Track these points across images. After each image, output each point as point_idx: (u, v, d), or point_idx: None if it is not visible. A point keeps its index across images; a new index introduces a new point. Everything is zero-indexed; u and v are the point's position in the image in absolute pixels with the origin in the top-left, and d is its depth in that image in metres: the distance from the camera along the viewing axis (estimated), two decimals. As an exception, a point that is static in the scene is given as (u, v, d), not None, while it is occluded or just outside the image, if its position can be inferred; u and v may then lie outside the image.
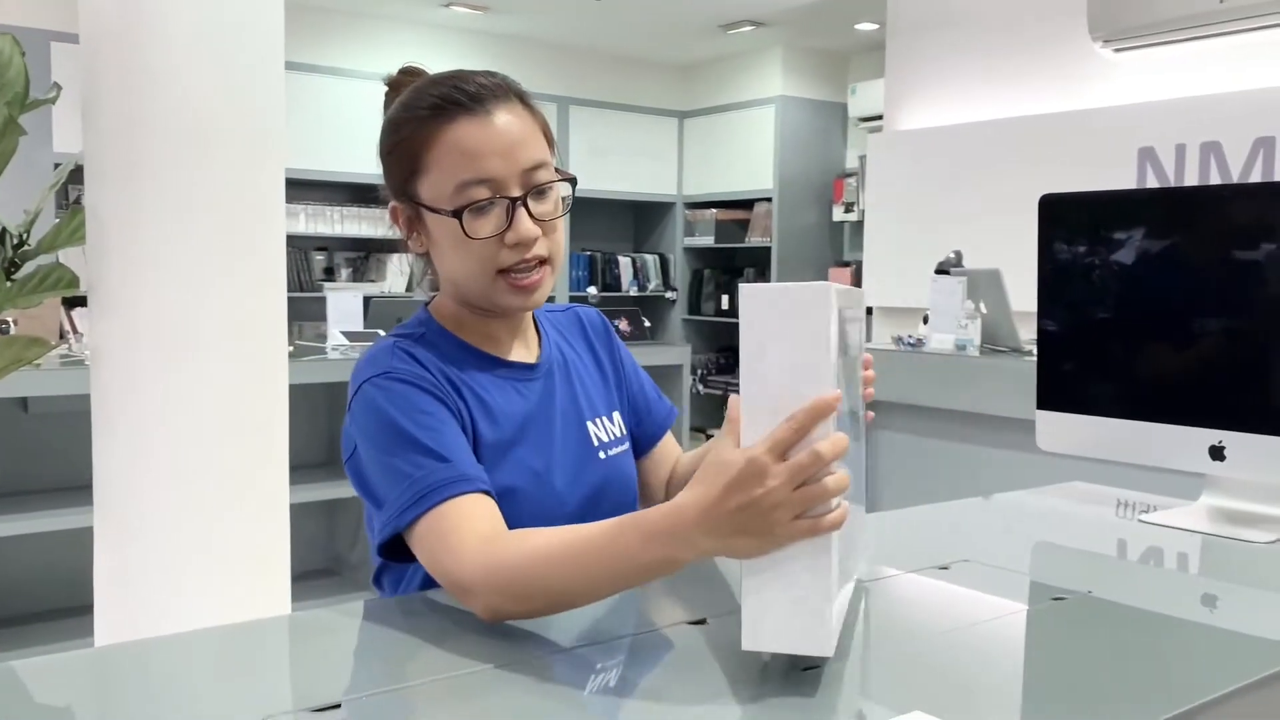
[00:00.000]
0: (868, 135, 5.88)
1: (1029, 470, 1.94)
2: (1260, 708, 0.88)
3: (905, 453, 3.53)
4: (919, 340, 3.66)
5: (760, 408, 0.82)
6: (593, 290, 7.09)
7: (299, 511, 4.06)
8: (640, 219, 7.75)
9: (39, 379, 3.27)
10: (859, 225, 6.19)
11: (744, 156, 7.11)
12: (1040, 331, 1.64)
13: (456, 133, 1.10)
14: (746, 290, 0.83)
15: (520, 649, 0.93)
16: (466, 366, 1.16)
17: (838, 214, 6.99)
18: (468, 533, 0.98)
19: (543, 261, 1.14)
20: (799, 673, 0.88)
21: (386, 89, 1.26)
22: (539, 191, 1.13)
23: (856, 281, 6.11)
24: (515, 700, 0.83)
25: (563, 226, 1.17)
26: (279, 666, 0.97)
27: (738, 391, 0.84)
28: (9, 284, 2.25)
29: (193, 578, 2.13)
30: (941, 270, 3.78)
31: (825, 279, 5.98)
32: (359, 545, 4.17)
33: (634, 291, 7.45)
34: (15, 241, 2.27)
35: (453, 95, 1.12)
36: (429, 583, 1.08)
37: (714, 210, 7.34)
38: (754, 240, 7.16)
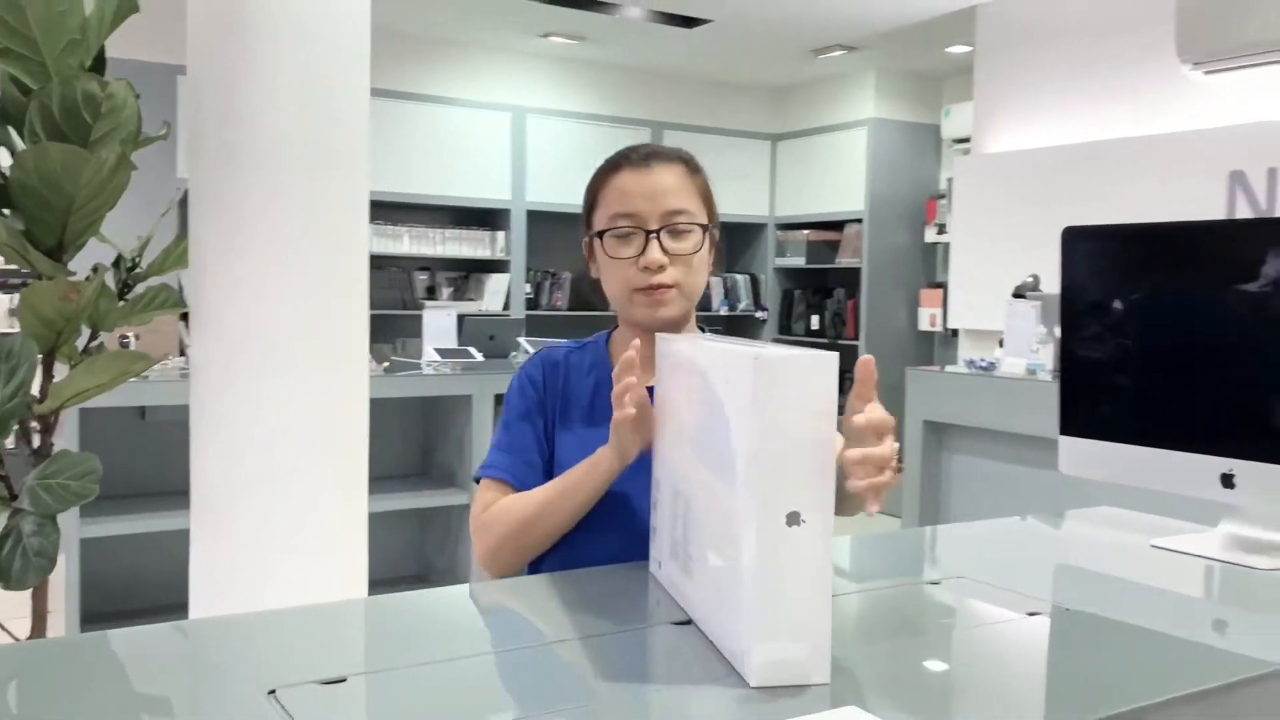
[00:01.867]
0: (956, 159, 5.87)
1: (1089, 495, 1.96)
2: (1211, 712, 0.94)
3: (971, 475, 3.55)
4: (991, 364, 3.67)
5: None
6: (684, 310, 7.19)
7: (392, 520, 4.30)
8: (733, 239, 7.85)
9: (155, 390, 3.54)
10: (949, 248, 6.17)
11: (836, 178, 7.15)
12: (1062, 358, 1.70)
13: (620, 179, 1.41)
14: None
15: (517, 638, 1.05)
16: (594, 375, 1.47)
17: (930, 235, 6.97)
18: (479, 501, 1.42)
19: (672, 286, 1.39)
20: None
21: None
22: (675, 231, 1.39)
23: (945, 303, 6.10)
24: (510, 686, 0.95)
25: (700, 265, 1.42)
26: (294, 644, 1.11)
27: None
28: (122, 304, 2.48)
29: (279, 573, 2.32)
30: (1018, 294, 3.79)
31: (916, 300, 5.95)
32: (448, 552, 4.36)
33: (724, 311, 7.55)
34: (129, 265, 2.50)
35: (628, 153, 1.44)
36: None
37: (805, 231, 7.39)
38: (844, 261, 7.19)
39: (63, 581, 3.46)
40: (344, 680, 0.94)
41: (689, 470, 1.06)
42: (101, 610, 3.64)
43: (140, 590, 3.77)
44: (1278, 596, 1.30)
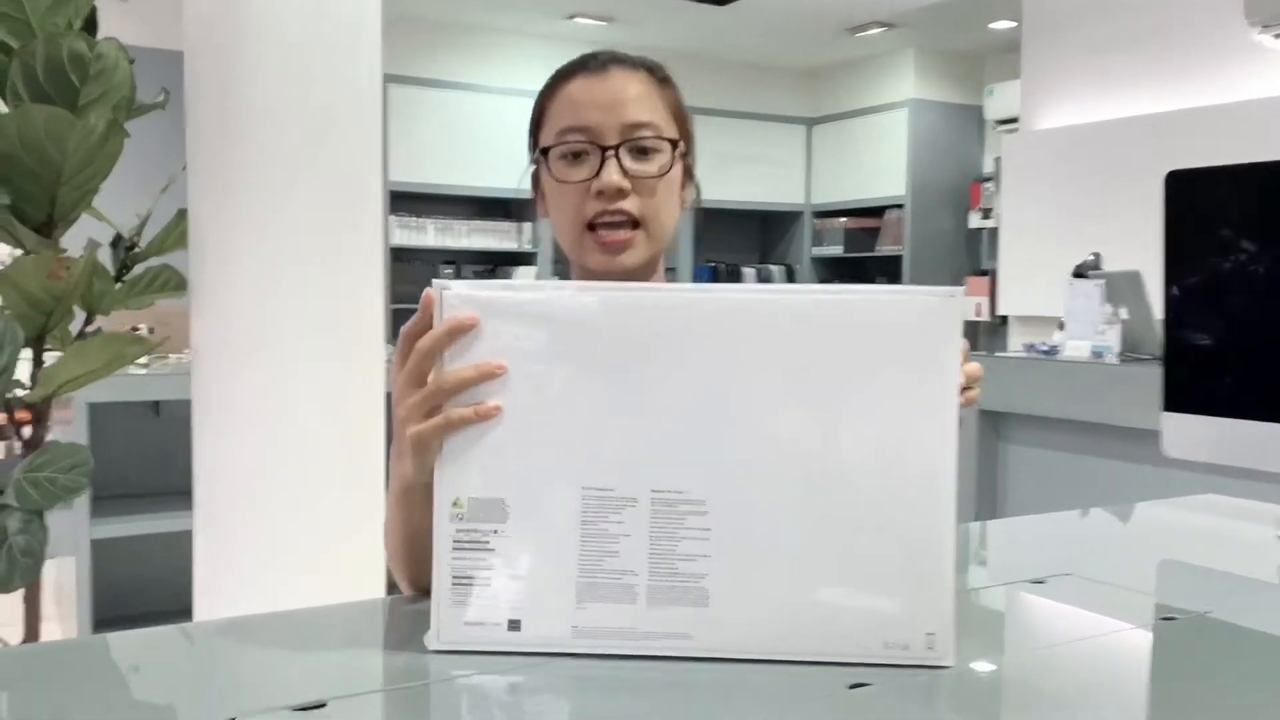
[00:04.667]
0: (1004, 138, 5.62)
1: (1168, 487, 1.77)
2: None
3: (1029, 466, 3.32)
4: (1052, 347, 3.44)
5: None
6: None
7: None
8: (767, 229, 7.63)
9: (170, 383, 3.38)
10: (997, 232, 5.92)
11: (874, 163, 6.91)
12: (1167, 325, 1.48)
13: (570, 86, 1.14)
14: None
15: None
16: None
17: (974, 220, 6.72)
18: None
19: (635, 224, 1.11)
20: (845, 690, 0.78)
21: None
22: (638, 149, 1.12)
23: (992, 290, 5.85)
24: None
25: (669, 195, 1.14)
26: (269, 659, 0.92)
27: None
28: (120, 285, 2.31)
29: (287, 575, 2.14)
30: (1079, 273, 3.56)
31: (961, 287, 5.83)
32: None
33: (761, 303, 7.32)
34: (128, 244, 2.33)
35: (584, 59, 1.16)
36: None
37: (843, 219, 7.16)
38: (884, 249, 6.95)
39: (73, 584, 3.31)
40: (323, 705, 0.75)
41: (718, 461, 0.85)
42: (115, 614, 3.49)
43: (155, 593, 3.61)
44: None
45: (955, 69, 6.84)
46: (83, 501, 3.26)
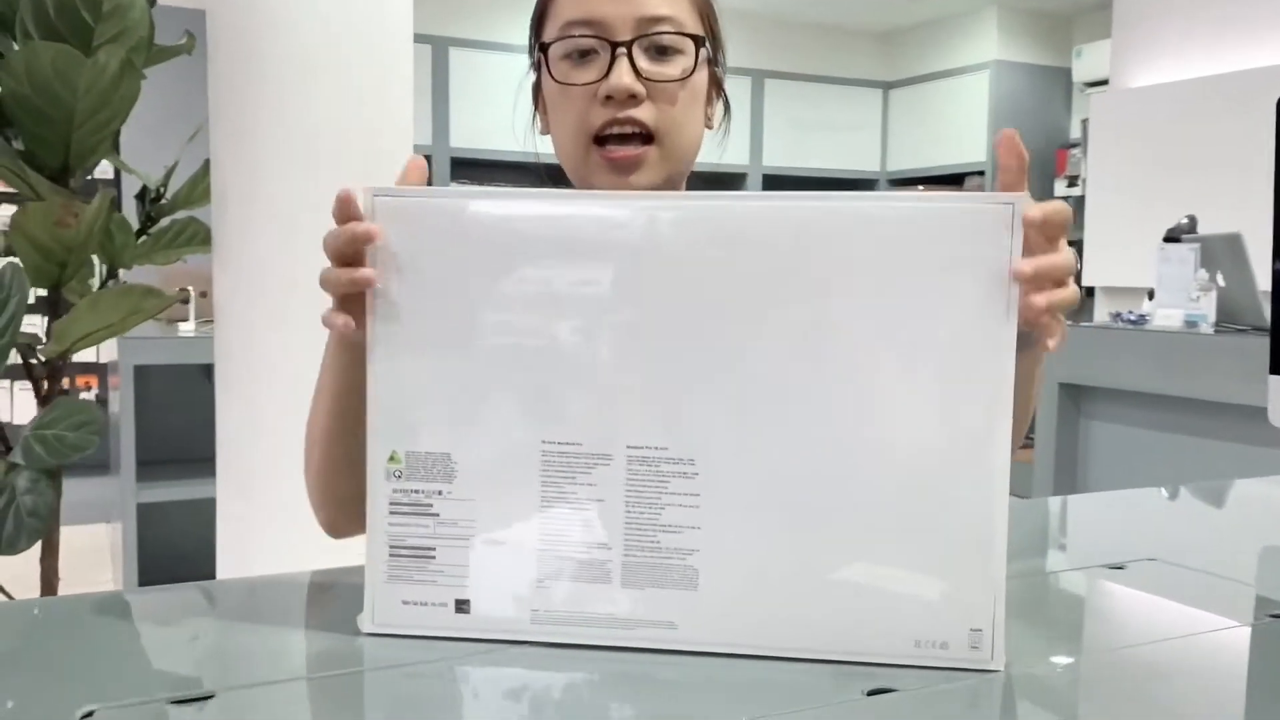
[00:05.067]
0: (1093, 99, 5.31)
1: (1268, 469, 1.56)
2: None
3: (1113, 444, 3.08)
4: (1142, 316, 3.19)
5: None
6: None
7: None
8: (841, 198, 7.38)
9: (216, 346, 3.31)
10: (1083, 201, 5.61)
11: (954, 128, 6.61)
12: (1276, 277, 1.27)
13: None
14: None
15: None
16: None
17: (1060, 189, 6.38)
18: None
19: (648, 138, 0.94)
20: (860, 697, 0.63)
21: None
22: (658, 49, 0.94)
23: (1078, 260, 5.55)
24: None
25: (691, 105, 0.96)
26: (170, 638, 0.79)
27: None
28: (145, 239, 2.22)
29: (310, 541, 2.03)
30: (1171, 237, 3.29)
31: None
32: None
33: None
34: (153, 196, 2.24)
35: None
36: None
37: (920, 186, 6.87)
38: (964, 219, 6.66)
39: (120, 548, 3.28)
40: (210, 698, 0.61)
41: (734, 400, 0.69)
42: (162, 579, 3.45)
43: (201, 558, 3.57)
44: None
45: (1041, 28, 6.50)
46: (129, 466, 3.22)
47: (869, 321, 0.67)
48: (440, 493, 0.70)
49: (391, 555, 0.70)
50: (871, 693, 0.64)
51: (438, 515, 0.70)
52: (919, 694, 0.64)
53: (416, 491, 0.70)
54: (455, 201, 0.70)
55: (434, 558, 0.70)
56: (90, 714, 0.58)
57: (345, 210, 0.72)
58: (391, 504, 0.70)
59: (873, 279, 0.67)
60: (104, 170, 4.39)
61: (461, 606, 0.69)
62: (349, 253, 0.72)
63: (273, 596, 0.84)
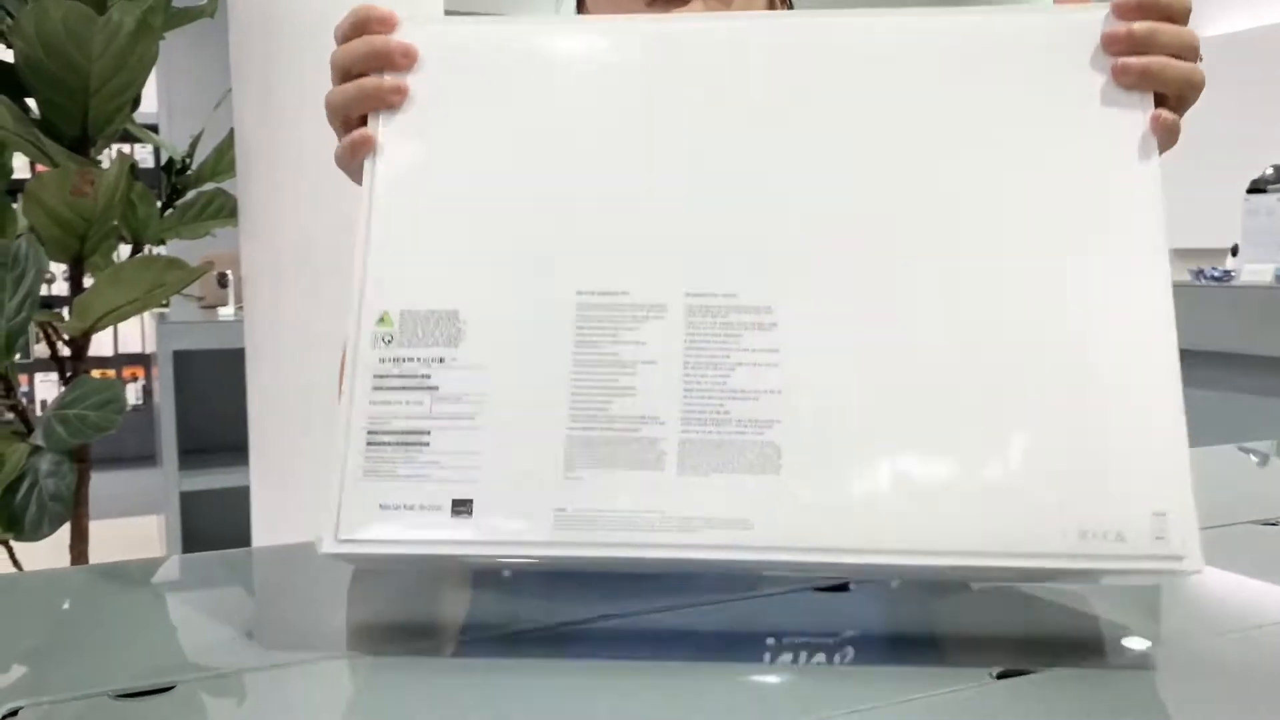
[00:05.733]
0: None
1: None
2: None
3: (1197, 408, 2.88)
4: (1226, 273, 2.99)
5: None
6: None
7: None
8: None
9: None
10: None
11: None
12: None
13: None
14: None
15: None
16: None
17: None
18: None
19: None
20: (988, 680, 0.49)
21: None
22: None
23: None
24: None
25: None
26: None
27: None
28: (170, 211, 2.13)
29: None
30: (1256, 189, 3.09)
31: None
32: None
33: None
34: (178, 167, 2.15)
35: None
36: None
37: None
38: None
39: (163, 538, 3.22)
40: (171, 688, 0.49)
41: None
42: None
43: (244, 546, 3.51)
44: None
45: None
46: (171, 455, 3.15)
47: (985, 132, 0.55)
48: (441, 360, 0.54)
49: (370, 445, 0.53)
50: (1001, 675, 0.50)
51: (436, 389, 0.54)
52: (1064, 676, 0.50)
53: (410, 360, 0.54)
54: (481, 28, 0.59)
55: (428, 444, 0.53)
56: (15, 713, 0.47)
57: (370, 26, 0.59)
58: (376, 376, 0.54)
59: (985, 101, 0.55)
60: (143, 159, 4.33)
61: (460, 508, 0.52)
62: (369, 72, 0.59)
63: (242, 569, 0.72)
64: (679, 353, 0.52)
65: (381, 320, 0.55)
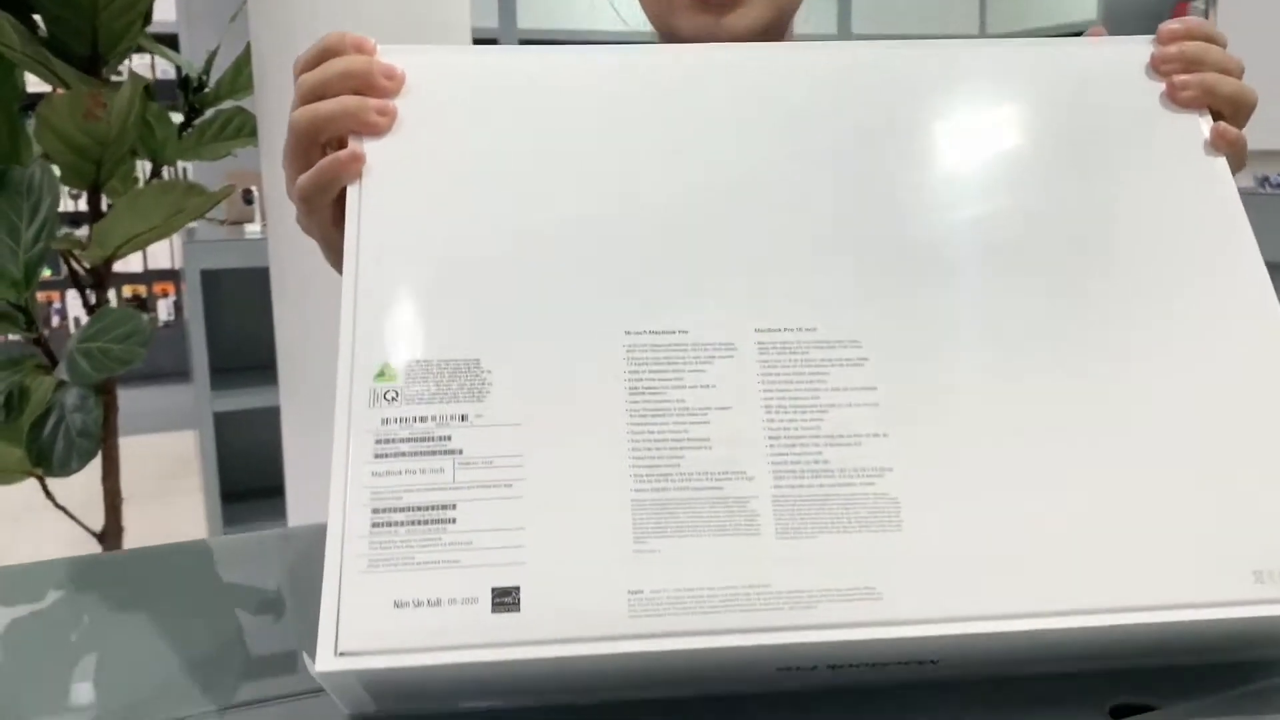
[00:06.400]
0: (1221, -60, 4.78)
1: None
2: None
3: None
4: (1291, 179, 2.85)
5: None
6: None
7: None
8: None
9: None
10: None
11: (1060, -16, 6.10)
12: None
13: None
14: None
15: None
16: None
17: (1177, 46, 5.88)
18: None
19: None
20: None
21: None
22: None
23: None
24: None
25: None
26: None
27: None
28: (188, 132, 2.05)
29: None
30: (1326, 88, 2.91)
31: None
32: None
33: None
34: (195, 85, 2.06)
35: None
36: None
37: (1023, 52, 6.40)
38: (1071, 84, 6.19)
39: (198, 458, 3.22)
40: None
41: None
42: (244, 488, 3.40)
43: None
44: None
45: None
46: (203, 374, 3.13)
47: (1073, 178, 0.52)
48: (464, 418, 0.45)
49: (376, 527, 0.42)
50: (1115, 710, 0.44)
51: (459, 452, 0.44)
52: (1193, 711, 0.43)
53: (424, 419, 0.45)
54: (467, 56, 0.54)
55: (454, 520, 0.43)
56: None
57: (345, 50, 0.52)
58: (379, 442, 0.44)
59: (1060, 130, 0.54)
60: (166, 70, 4.23)
61: (504, 599, 0.41)
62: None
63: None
64: (756, 396, 0.45)
65: (381, 374, 0.46)
